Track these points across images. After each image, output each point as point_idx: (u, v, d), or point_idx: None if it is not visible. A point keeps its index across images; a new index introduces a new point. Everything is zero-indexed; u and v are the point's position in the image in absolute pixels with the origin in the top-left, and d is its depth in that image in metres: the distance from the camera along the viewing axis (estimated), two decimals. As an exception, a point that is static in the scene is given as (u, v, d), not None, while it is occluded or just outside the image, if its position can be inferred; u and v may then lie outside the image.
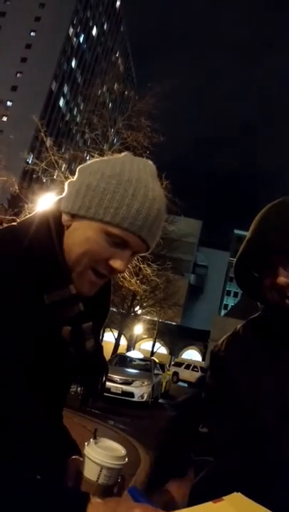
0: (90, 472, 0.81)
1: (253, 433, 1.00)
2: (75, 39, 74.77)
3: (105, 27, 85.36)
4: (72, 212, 0.89)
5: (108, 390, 13.21)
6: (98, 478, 0.80)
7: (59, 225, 0.91)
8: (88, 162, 0.95)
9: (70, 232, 0.90)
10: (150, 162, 0.94)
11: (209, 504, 0.76)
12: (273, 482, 0.94)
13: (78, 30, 75.15)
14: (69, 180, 0.94)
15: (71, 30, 72.20)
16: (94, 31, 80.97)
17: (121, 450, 0.86)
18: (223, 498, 0.77)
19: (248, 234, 1.14)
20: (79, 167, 0.95)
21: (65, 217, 0.91)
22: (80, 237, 0.88)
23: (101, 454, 0.81)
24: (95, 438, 0.86)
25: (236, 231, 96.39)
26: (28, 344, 0.84)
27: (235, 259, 1.15)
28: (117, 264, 0.88)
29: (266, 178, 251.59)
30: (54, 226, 0.91)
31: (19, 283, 0.84)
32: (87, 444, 0.84)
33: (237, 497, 0.77)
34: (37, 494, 0.73)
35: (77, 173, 0.94)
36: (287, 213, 1.04)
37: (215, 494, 0.80)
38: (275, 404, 0.99)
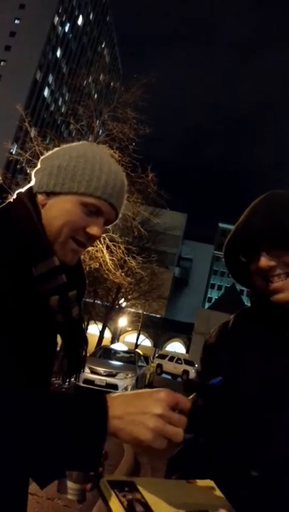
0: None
1: (239, 405, 1.02)
2: (60, 28, 73.65)
3: (91, 16, 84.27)
4: (47, 191, 1.01)
5: (92, 383, 13.24)
6: None
7: (35, 205, 1.01)
8: (49, 152, 1.07)
9: (46, 209, 1.00)
10: (107, 149, 1.13)
11: (183, 482, 0.83)
12: (261, 454, 0.96)
13: (64, 19, 74.02)
14: (35, 169, 1.06)
15: (56, 18, 71.08)
16: (80, 20, 79.89)
17: None
18: (197, 480, 0.83)
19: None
20: (41, 157, 1.08)
21: (40, 197, 1.02)
22: (59, 211, 0.99)
23: None
24: None
25: (221, 224, 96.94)
26: (19, 316, 0.91)
27: (224, 244, 1.19)
28: (94, 230, 1.00)
29: (251, 173, 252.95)
30: (31, 205, 1.01)
31: (5, 258, 0.92)
32: None
33: (208, 483, 0.82)
34: (56, 398, 0.79)
35: (40, 162, 1.07)
36: (273, 200, 1.07)
37: (193, 469, 0.89)
38: (259, 376, 1.01)
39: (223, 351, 1.15)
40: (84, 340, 1.11)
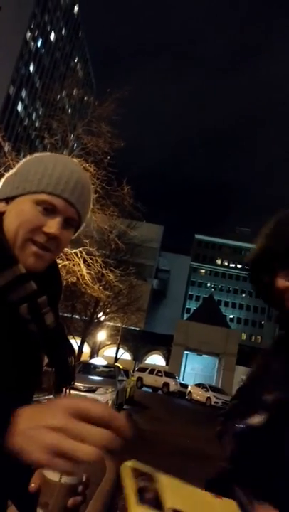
0: (52, 473, 0.72)
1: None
2: (32, 43, 73.83)
3: (63, 32, 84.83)
4: (5, 197, 0.98)
5: (72, 399, 13.03)
6: (60, 478, 0.72)
7: None
8: None
9: (6, 216, 0.97)
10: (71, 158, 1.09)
11: (207, 493, 0.80)
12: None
13: (36, 34, 74.26)
14: None
15: (28, 34, 71.25)
16: (52, 36, 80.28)
17: None
18: (222, 497, 0.79)
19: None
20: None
21: (0, 206, 0.99)
22: (15, 214, 0.95)
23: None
24: None
25: (197, 236, 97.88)
26: None
27: (248, 266, 1.20)
28: (51, 228, 0.93)
29: (226, 185, 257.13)
30: None
31: None
32: None
33: (231, 503, 0.79)
34: None
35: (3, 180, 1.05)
36: (282, 220, 1.11)
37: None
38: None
39: (257, 378, 1.15)
40: (70, 349, 1.10)
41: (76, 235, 1.05)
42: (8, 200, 0.98)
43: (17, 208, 0.95)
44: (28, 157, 1.03)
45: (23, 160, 1.02)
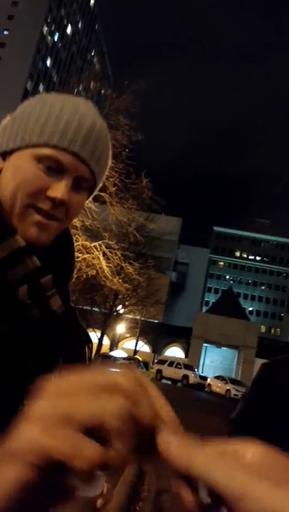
0: None
1: None
2: (49, 38, 73.98)
3: (80, 25, 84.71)
4: (1, 151, 0.78)
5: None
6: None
7: None
8: None
9: (2, 174, 0.78)
10: (90, 102, 0.82)
11: None
12: None
13: (52, 28, 74.37)
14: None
15: (45, 28, 71.40)
16: (68, 30, 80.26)
17: None
18: None
19: None
20: None
21: None
22: (12, 173, 0.76)
23: None
24: None
25: (216, 228, 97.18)
26: None
27: None
28: (56, 192, 0.74)
29: (244, 177, 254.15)
30: None
31: None
32: None
33: None
34: None
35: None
36: None
37: None
38: None
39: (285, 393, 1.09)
40: (86, 338, 0.88)
41: (92, 196, 0.86)
42: (5, 154, 0.78)
43: (15, 166, 0.76)
44: (31, 98, 0.82)
45: (25, 101, 0.82)
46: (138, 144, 16.60)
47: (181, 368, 33.53)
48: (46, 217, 0.75)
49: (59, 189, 0.74)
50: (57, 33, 76.57)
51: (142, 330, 37.12)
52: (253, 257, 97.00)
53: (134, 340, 39.19)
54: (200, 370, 42.06)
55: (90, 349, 0.90)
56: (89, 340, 0.90)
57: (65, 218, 0.78)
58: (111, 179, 15.08)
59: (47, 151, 0.74)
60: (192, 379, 32.59)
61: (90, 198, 0.89)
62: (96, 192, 0.84)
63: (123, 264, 16.57)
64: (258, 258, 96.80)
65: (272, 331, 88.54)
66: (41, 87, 73.57)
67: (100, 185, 0.84)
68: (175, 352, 48.30)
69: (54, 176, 0.74)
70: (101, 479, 0.60)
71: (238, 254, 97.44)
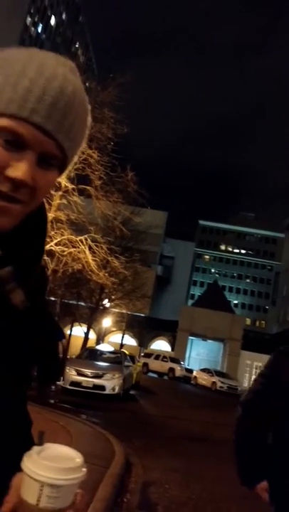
0: (29, 493, 0.57)
1: None
2: (32, 28, 72.89)
3: (64, 16, 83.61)
4: None
5: (79, 384, 13.19)
6: (38, 500, 0.56)
7: None
8: None
9: None
10: (70, 61, 0.70)
11: None
12: None
13: (36, 19, 73.26)
14: None
15: (28, 19, 70.31)
16: (52, 21, 79.18)
17: (74, 458, 0.61)
18: None
19: None
20: None
21: None
22: None
23: (41, 466, 0.57)
24: (40, 443, 0.62)
25: (201, 222, 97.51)
26: None
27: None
28: (16, 172, 0.61)
29: (230, 172, 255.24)
30: None
31: None
32: (27, 454, 0.60)
33: None
34: None
35: None
36: None
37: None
38: None
39: None
40: (57, 334, 0.81)
41: (65, 174, 0.73)
42: None
43: None
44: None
45: None
46: (123, 138, 16.54)
47: (167, 361, 33.71)
48: (6, 200, 0.63)
49: (20, 168, 0.61)
50: (40, 24, 75.49)
51: (128, 323, 37.16)
52: (237, 251, 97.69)
53: (121, 334, 39.22)
54: (186, 363, 42.35)
55: (63, 346, 0.82)
56: (60, 336, 0.83)
57: (30, 200, 0.65)
58: (96, 173, 14.99)
59: (3, 122, 0.61)
60: (178, 372, 32.80)
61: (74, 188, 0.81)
62: (68, 170, 0.72)
63: (109, 258, 16.53)
64: (242, 251, 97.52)
65: (257, 323, 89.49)
66: (25, 79, 72.65)
67: (74, 160, 0.71)
68: (161, 345, 48.51)
69: (14, 152, 0.62)
70: (69, 490, 0.58)
71: (223, 247, 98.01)
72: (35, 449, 0.61)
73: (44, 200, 0.74)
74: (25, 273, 0.71)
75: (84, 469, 0.60)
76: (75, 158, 0.71)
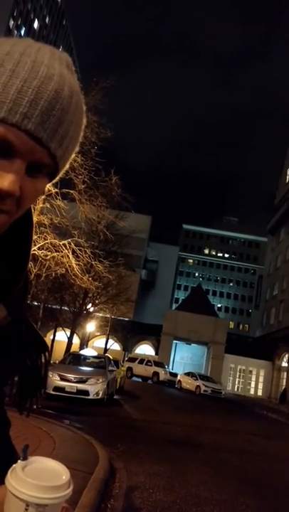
0: (13, 511, 0.54)
1: None
2: (16, 31, 72.53)
3: (47, 20, 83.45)
4: None
5: (63, 390, 13.07)
6: (27, 508, 0.54)
7: None
8: None
9: None
10: (66, 55, 0.66)
11: None
12: None
13: (19, 22, 72.95)
14: None
15: (12, 22, 69.97)
16: (36, 24, 78.94)
17: (61, 475, 0.58)
18: None
19: None
20: None
21: None
22: None
23: (26, 484, 0.54)
24: (24, 458, 0.58)
25: (185, 226, 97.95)
26: None
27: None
28: (3, 182, 0.56)
29: (213, 177, 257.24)
30: None
31: None
32: (11, 470, 0.57)
33: None
34: None
35: None
36: None
37: None
38: None
39: None
40: (39, 346, 0.77)
41: (54, 181, 0.67)
42: None
43: None
44: None
45: None
46: (107, 142, 16.53)
47: (151, 366, 33.68)
48: None
49: (6, 178, 0.56)
50: (24, 27, 75.19)
51: (112, 328, 37.04)
52: (221, 254, 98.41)
53: (105, 339, 39.06)
54: (170, 367, 42.37)
55: (46, 357, 0.79)
56: (42, 348, 0.78)
57: (16, 209, 0.60)
58: (80, 176, 14.95)
59: None
60: (162, 376, 32.80)
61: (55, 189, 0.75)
62: (58, 177, 0.66)
63: (93, 262, 16.46)
64: (226, 255, 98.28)
65: (241, 327, 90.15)
66: (8, 82, 72.19)
67: (65, 168, 0.65)
68: (145, 349, 48.46)
69: (1, 160, 0.56)
70: (55, 509, 0.55)
71: (206, 251, 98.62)
72: (20, 464, 0.58)
73: (30, 206, 0.69)
74: (8, 286, 0.66)
75: (71, 486, 0.58)
76: (67, 165, 0.66)
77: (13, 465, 0.57)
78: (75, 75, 0.64)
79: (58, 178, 0.66)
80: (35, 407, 0.78)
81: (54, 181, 0.66)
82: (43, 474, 0.57)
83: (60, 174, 0.65)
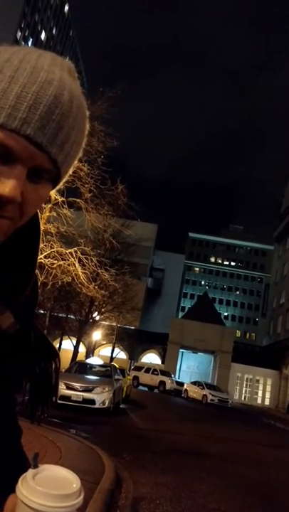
0: (27, 506, 0.54)
1: None
2: (23, 43, 73.52)
3: (54, 31, 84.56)
4: None
5: (69, 399, 13.02)
6: None
7: None
8: None
9: None
10: (68, 62, 0.66)
11: None
12: None
13: (26, 33, 73.98)
14: None
15: (19, 33, 70.96)
16: (43, 35, 80.00)
17: (72, 483, 0.58)
18: None
19: None
20: None
21: None
22: None
23: (37, 492, 0.54)
24: (34, 466, 0.58)
25: (191, 234, 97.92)
26: None
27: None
28: (3, 188, 0.55)
29: (219, 186, 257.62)
30: None
31: None
32: (22, 478, 0.56)
33: None
34: None
35: None
36: None
37: None
38: None
39: None
40: (49, 354, 0.77)
41: (58, 187, 0.66)
42: None
43: None
44: None
45: None
46: (114, 151, 16.63)
47: (157, 374, 33.50)
48: None
49: (7, 184, 0.55)
50: (31, 39, 76.20)
51: (119, 336, 36.95)
52: (227, 263, 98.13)
53: (111, 347, 38.96)
54: (176, 376, 42.13)
55: (57, 365, 0.79)
56: (53, 356, 0.78)
57: (20, 216, 0.60)
58: (86, 185, 15.04)
59: None
60: (169, 385, 32.60)
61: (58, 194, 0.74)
62: (62, 183, 0.65)
63: (99, 271, 16.50)
64: (232, 263, 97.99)
65: (248, 335, 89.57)
66: (15, 93, 73.04)
67: (68, 173, 0.65)
68: (151, 358, 48.24)
69: (1, 166, 0.56)
70: (70, 507, 0.55)
71: (212, 259, 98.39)
72: (30, 472, 0.57)
73: (38, 212, 0.70)
74: (15, 293, 0.66)
75: (82, 494, 0.57)
76: (71, 171, 0.65)
77: (24, 473, 0.57)
78: (77, 80, 0.64)
79: (61, 184, 0.65)
80: (46, 415, 0.78)
81: (58, 187, 0.66)
82: (53, 483, 0.56)
83: (64, 180, 0.65)
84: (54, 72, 0.58)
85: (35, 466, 0.58)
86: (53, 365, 0.77)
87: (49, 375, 0.77)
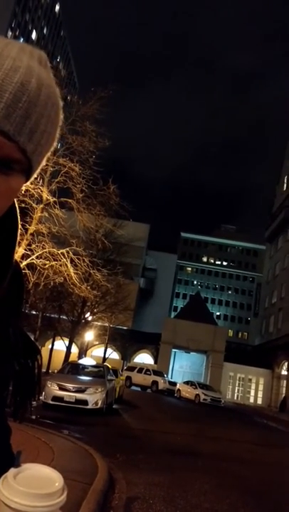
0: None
1: None
2: (14, 42, 73.31)
3: (45, 31, 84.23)
4: None
5: (61, 399, 12.99)
6: None
7: None
8: None
9: None
10: (40, 51, 0.63)
11: None
12: None
13: (17, 33, 73.62)
14: None
15: (10, 33, 70.59)
16: (33, 35, 79.67)
17: (54, 481, 0.56)
18: None
19: None
20: None
21: None
22: None
23: (18, 492, 0.52)
24: (16, 465, 0.57)
25: (183, 234, 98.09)
26: None
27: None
28: None
29: (212, 184, 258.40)
30: None
31: None
32: (3, 478, 0.55)
33: None
34: None
35: None
36: None
37: None
38: None
39: None
40: (31, 351, 0.75)
41: (31, 179, 0.64)
42: None
43: None
44: None
45: None
46: (105, 151, 16.60)
47: (150, 374, 33.51)
48: None
49: None
50: (22, 38, 75.83)
51: (111, 337, 36.93)
52: (219, 262, 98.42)
53: (103, 348, 38.91)
54: (169, 376, 42.16)
55: (39, 362, 0.77)
56: (34, 352, 0.76)
57: None
58: (78, 186, 15.00)
59: None
60: (162, 385, 32.62)
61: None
62: (35, 175, 0.63)
63: (91, 271, 16.46)
64: (224, 263, 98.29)
65: (240, 335, 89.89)
66: (6, 93, 72.59)
67: (41, 165, 0.62)
68: (144, 358, 48.25)
69: None
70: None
71: (205, 259, 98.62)
72: (12, 471, 0.56)
73: (16, 206, 0.68)
74: None
75: (65, 493, 0.55)
76: (44, 162, 0.62)
77: (6, 473, 0.55)
78: (49, 70, 0.62)
79: (35, 175, 0.63)
80: (32, 416, 0.76)
81: (31, 179, 0.63)
82: (35, 482, 0.55)
83: (37, 171, 0.62)
84: (21, 59, 0.56)
85: (17, 466, 0.56)
86: (35, 363, 0.75)
87: (30, 372, 0.75)
